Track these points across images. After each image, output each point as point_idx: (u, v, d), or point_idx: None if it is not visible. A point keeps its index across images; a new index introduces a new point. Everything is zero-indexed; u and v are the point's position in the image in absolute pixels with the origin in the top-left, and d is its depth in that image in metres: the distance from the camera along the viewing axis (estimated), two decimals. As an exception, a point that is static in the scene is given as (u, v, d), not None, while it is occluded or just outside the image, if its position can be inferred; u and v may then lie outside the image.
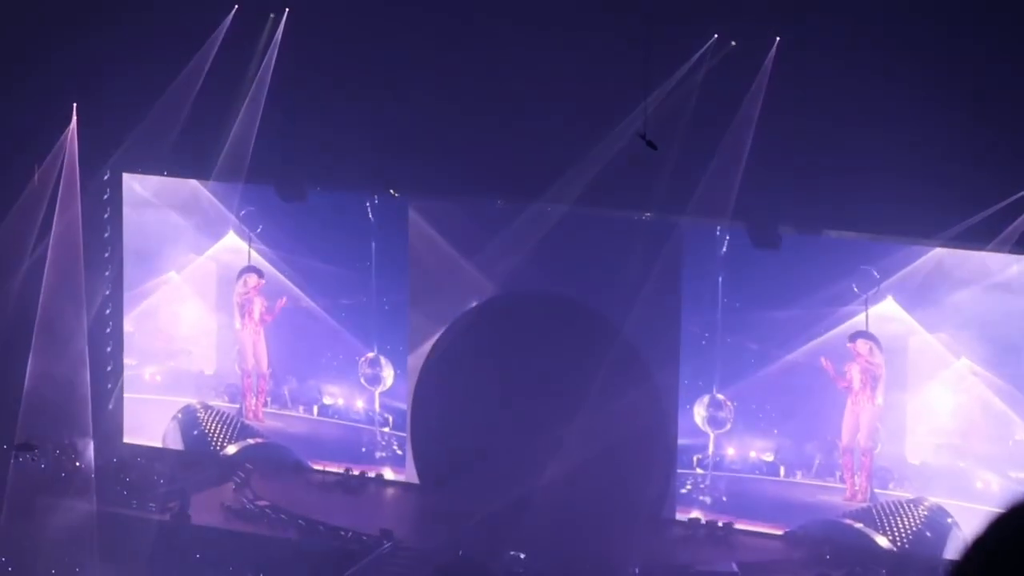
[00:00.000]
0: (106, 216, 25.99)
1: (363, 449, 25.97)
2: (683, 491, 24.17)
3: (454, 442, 24.60)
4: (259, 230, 26.06)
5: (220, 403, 26.79)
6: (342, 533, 23.81)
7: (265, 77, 24.44)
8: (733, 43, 22.26)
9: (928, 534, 22.92)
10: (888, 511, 23.21)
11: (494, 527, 23.10)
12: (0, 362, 24.72)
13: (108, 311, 26.24)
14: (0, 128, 24.40)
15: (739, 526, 23.74)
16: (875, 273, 22.81)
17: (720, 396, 24.10)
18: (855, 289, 22.93)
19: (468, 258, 24.53)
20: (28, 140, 24.79)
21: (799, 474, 23.76)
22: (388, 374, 25.81)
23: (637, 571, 22.57)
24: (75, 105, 24.70)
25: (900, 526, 23.13)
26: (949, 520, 22.84)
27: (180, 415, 26.82)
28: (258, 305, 26.39)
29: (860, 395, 23.33)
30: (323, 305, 26.02)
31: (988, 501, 22.40)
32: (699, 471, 24.19)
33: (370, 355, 25.89)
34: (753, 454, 24.11)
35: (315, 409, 26.33)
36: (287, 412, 26.50)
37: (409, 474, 25.44)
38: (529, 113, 22.64)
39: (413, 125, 23.28)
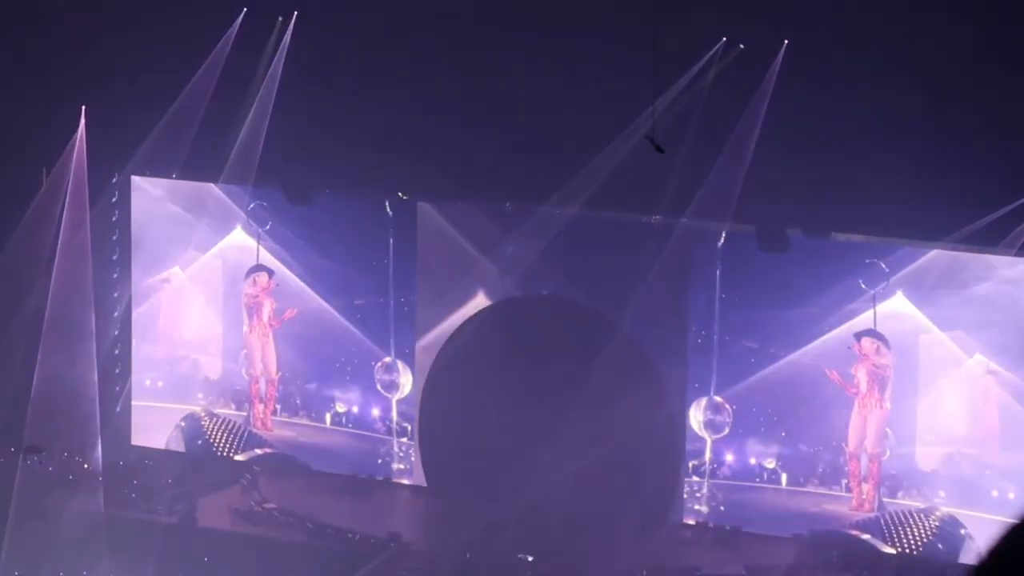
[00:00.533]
0: (115, 219, 25.98)
1: (379, 461, 25.26)
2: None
3: (462, 444, 24.46)
4: (268, 227, 25.35)
5: (226, 411, 26.03)
6: (349, 536, 23.77)
7: (274, 80, 24.41)
8: (741, 46, 22.26)
9: (940, 546, 22.21)
10: (897, 521, 22.52)
11: (502, 530, 23.07)
12: (9, 365, 24.74)
13: (116, 314, 26.21)
14: (8, 131, 24.44)
15: (747, 529, 23.36)
16: (883, 266, 22.27)
17: (718, 399, 23.50)
18: (862, 285, 22.38)
19: (476, 261, 24.28)
20: (37, 143, 24.81)
21: (803, 482, 23.12)
22: (406, 380, 24.98)
23: (645, 574, 22.52)
24: (83, 108, 24.71)
25: (910, 537, 22.40)
26: (963, 531, 22.09)
27: (183, 423, 26.17)
28: (268, 307, 25.67)
29: (867, 398, 22.69)
30: (336, 306, 25.17)
31: (1005, 511, 21.62)
32: (695, 478, 23.65)
33: (387, 360, 25.09)
34: (753, 460, 23.47)
35: (327, 417, 25.53)
36: (297, 420, 25.73)
37: (417, 477, 25.11)
38: (538, 116, 22.63)
39: (421, 127, 23.27)
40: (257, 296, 25.69)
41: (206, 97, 24.34)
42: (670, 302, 23.27)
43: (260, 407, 25.92)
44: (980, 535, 21.86)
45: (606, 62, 22.24)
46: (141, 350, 26.33)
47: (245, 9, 24.38)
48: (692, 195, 22.61)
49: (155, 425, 26.28)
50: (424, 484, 25.12)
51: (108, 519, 24.01)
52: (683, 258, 23.27)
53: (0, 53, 24.51)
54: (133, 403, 26.33)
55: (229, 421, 26.05)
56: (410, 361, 24.99)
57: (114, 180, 25.82)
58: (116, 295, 26.17)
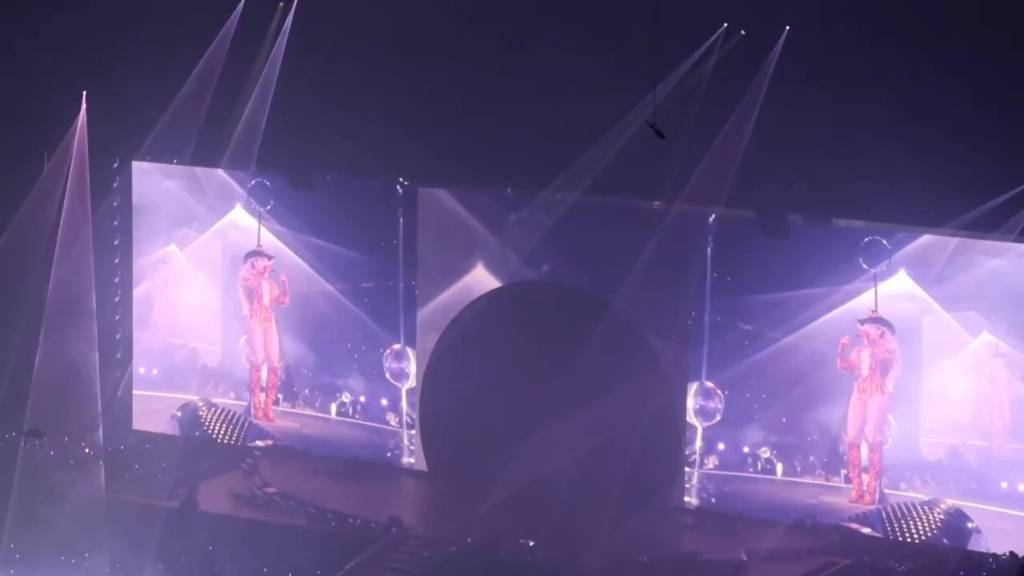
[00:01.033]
0: (115, 204, 25.98)
1: (388, 454, 24.80)
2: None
3: (463, 429, 24.42)
4: (270, 206, 24.72)
5: (225, 400, 25.48)
6: (351, 520, 23.79)
7: (274, 66, 24.38)
8: (743, 32, 22.29)
9: (945, 540, 21.67)
10: (899, 514, 22.05)
11: (503, 514, 23.09)
12: (11, 350, 24.76)
13: (117, 299, 26.20)
14: (10, 117, 24.46)
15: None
16: (885, 243, 21.75)
17: (710, 384, 22.99)
18: (863, 265, 21.89)
19: (478, 245, 24.10)
20: (38, 129, 24.81)
21: (799, 472, 22.51)
22: (416, 368, 24.35)
23: (645, 559, 22.54)
24: (84, 93, 24.72)
25: (913, 531, 21.91)
26: (969, 525, 21.57)
27: (179, 413, 25.72)
28: (267, 289, 25.05)
29: (868, 383, 22.04)
30: (342, 289, 24.45)
31: (1016, 504, 21.07)
32: (685, 469, 23.20)
33: (396, 347, 24.38)
34: (746, 449, 22.90)
35: (333, 408, 24.91)
36: (301, 411, 25.14)
37: (418, 461, 24.94)
38: (539, 102, 22.66)
39: (423, 114, 23.28)
40: (254, 280, 25.12)
41: (208, 83, 24.34)
42: (669, 286, 23.17)
43: (261, 396, 25.29)
44: (989, 529, 21.20)
45: (608, 48, 22.27)
46: (136, 337, 26.02)
47: (247, -6, 24.41)
48: (693, 180, 22.61)
49: (150, 415, 25.84)
50: (425, 469, 25.05)
51: (109, 503, 24.03)
52: (683, 243, 23.17)
53: (2, 39, 24.52)
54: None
55: (228, 411, 25.53)
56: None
57: (115, 165, 25.82)
58: (117, 280, 26.16)
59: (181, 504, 24.18)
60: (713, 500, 23.20)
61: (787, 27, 21.97)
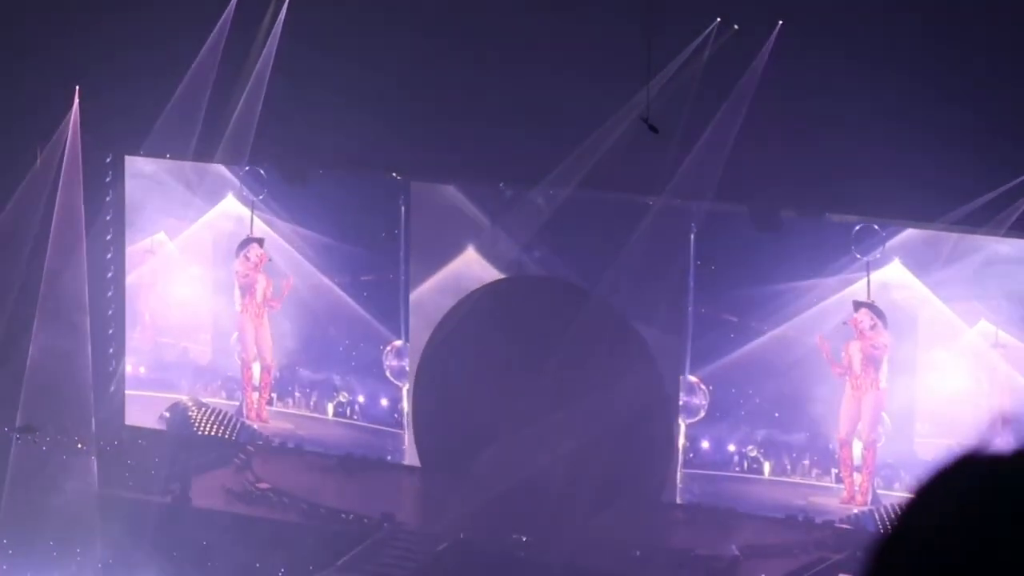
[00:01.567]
0: (108, 199, 25.94)
1: (388, 457, 24.08)
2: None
3: (455, 424, 24.37)
4: (263, 195, 24.01)
5: (216, 400, 24.79)
6: (343, 516, 23.75)
7: (268, 59, 24.32)
8: (736, 26, 22.26)
9: None
10: (894, 516, 21.46)
11: (496, 510, 23.06)
12: (2, 344, 24.74)
13: (110, 293, 26.14)
14: (2, 110, 24.43)
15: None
16: (876, 227, 21.09)
17: (693, 378, 22.38)
18: (855, 253, 21.32)
19: (470, 240, 23.90)
20: (31, 122, 24.80)
21: (788, 471, 21.90)
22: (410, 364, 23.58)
23: (638, 554, 22.52)
24: (77, 87, 24.68)
25: None
26: None
27: (167, 414, 24.95)
28: (262, 284, 24.34)
29: (861, 379, 21.48)
30: (340, 283, 23.58)
31: None
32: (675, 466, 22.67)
33: (397, 343, 23.58)
34: (732, 447, 22.31)
35: (329, 408, 24.10)
36: (296, 411, 24.37)
37: (410, 457, 24.63)
38: (531, 96, 22.61)
39: (415, 108, 23.25)
40: (248, 274, 24.46)
41: (203, 77, 24.28)
42: (663, 281, 23.11)
43: (254, 396, 24.50)
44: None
45: (600, 43, 22.23)
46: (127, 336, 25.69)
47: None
48: (685, 175, 22.59)
49: (138, 414, 25.35)
50: (418, 464, 24.89)
51: (102, 498, 24.01)
52: (676, 238, 23.13)
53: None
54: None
55: (219, 411, 24.76)
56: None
57: (107, 159, 25.78)
58: (110, 275, 26.11)
59: (174, 499, 24.16)
60: (698, 503, 22.88)
61: (780, 22, 21.93)
